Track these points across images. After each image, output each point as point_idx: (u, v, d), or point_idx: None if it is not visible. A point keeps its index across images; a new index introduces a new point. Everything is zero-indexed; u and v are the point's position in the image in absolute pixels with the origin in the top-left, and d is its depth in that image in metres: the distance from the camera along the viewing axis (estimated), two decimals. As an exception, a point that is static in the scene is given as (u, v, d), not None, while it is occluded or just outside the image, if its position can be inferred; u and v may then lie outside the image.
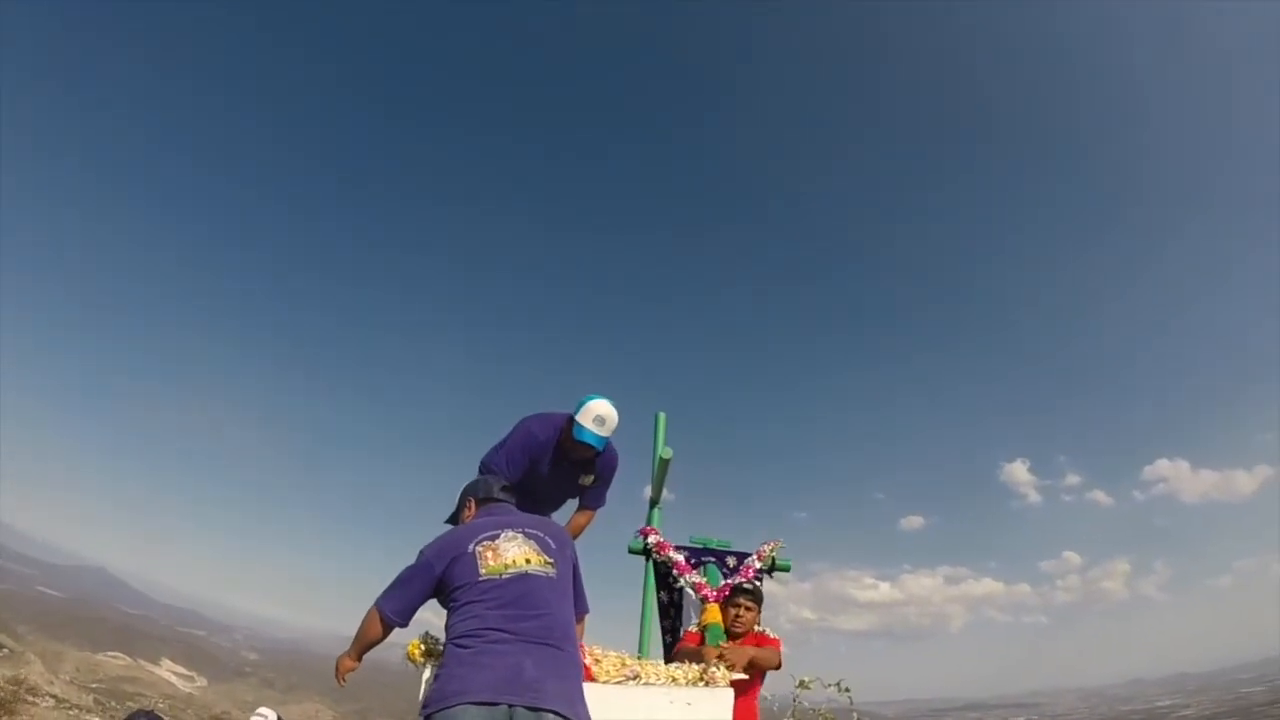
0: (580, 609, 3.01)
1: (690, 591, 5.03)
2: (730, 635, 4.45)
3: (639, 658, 3.25)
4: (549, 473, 3.88)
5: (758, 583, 4.96)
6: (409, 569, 2.90)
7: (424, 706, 2.68)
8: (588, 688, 2.78)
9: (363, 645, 3.01)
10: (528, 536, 2.90)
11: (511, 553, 2.82)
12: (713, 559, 5.29)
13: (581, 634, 3.17)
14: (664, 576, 5.17)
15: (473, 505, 3.15)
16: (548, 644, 2.75)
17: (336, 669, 3.13)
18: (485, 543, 2.83)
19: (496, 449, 3.86)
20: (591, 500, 4.12)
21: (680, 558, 5.20)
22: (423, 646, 3.03)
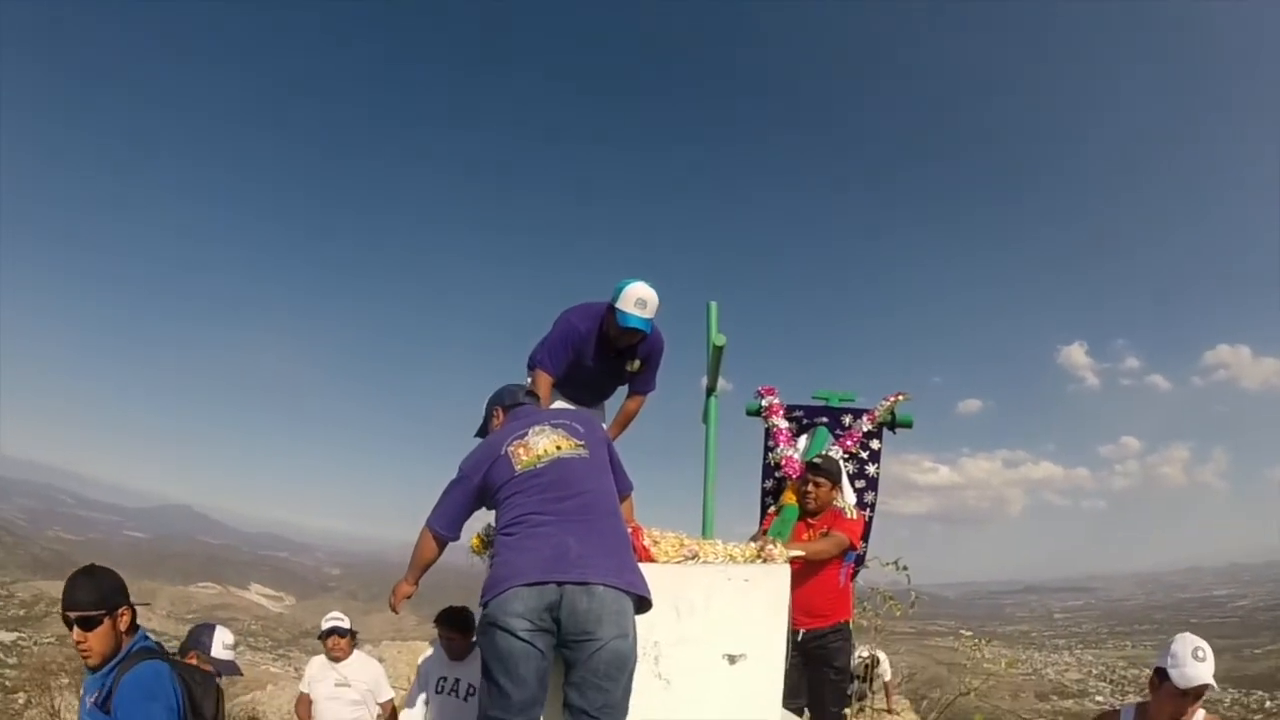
0: (623, 488, 3.09)
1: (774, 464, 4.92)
2: (804, 514, 4.41)
3: (700, 538, 3.28)
4: (594, 363, 3.85)
5: (837, 455, 4.78)
6: (450, 484, 3.02)
7: (481, 597, 2.71)
8: (646, 569, 2.84)
9: (419, 566, 3.13)
10: (554, 427, 2.99)
11: (542, 444, 2.91)
12: (825, 419, 5.09)
13: (630, 513, 3.23)
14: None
15: (500, 413, 3.22)
16: (590, 520, 2.77)
17: (393, 596, 3.25)
18: (516, 442, 2.93)
19: (540, 345, 3.85)
20: (641, 385, 4.10)
21: (783, 425, 5.05)
22: (484, 538, 3.14)
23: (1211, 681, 2.65)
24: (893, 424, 5.09)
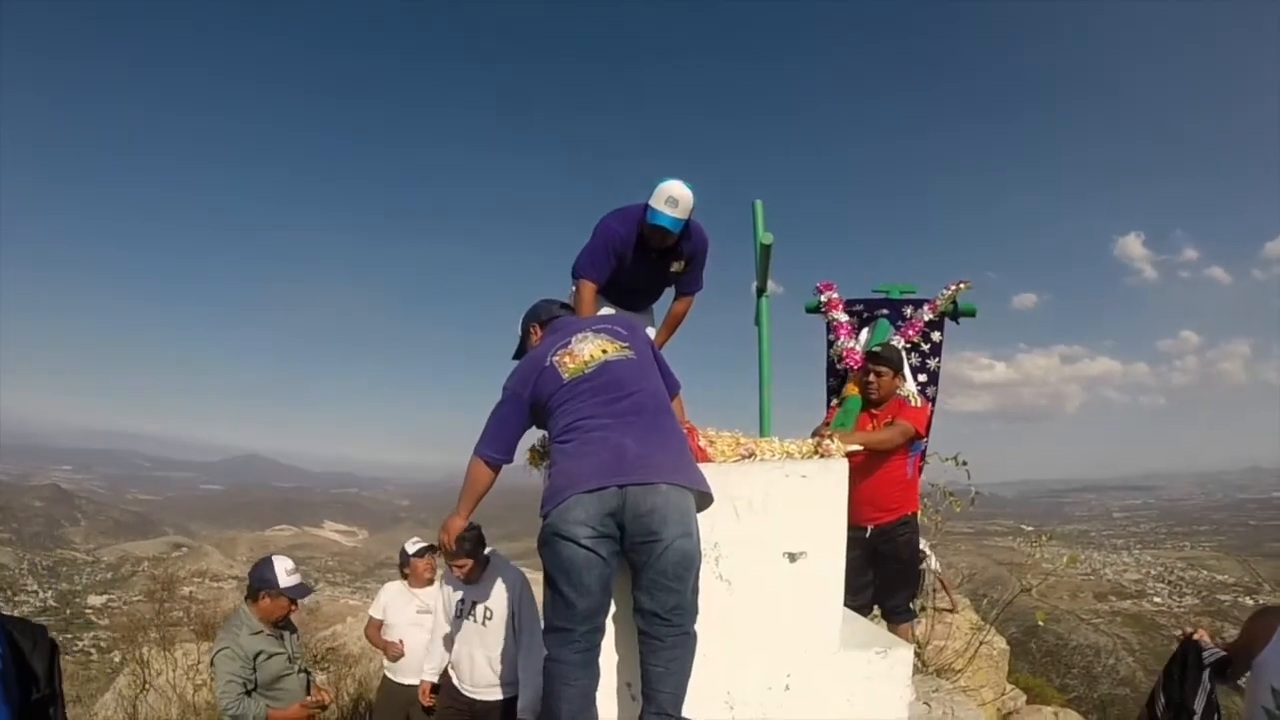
0: (671, 387, 3.06)
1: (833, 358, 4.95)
2: (868, 404, 4.40)
3: (756, 437, 3.24)
4: (637, 266, 3.78)
5: (899, 345, 4.79)
6: (497, 405, 2.97)
7: (541, 508, 2.71)
8: (706, 469, 2.83)
9: (473, 497, 3.08)
10: (597, 332, 2.96)
11: (587, 350, 2.87)
12: (886, 312, 5.08)
13: (681, 413, 3.21)
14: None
15: (537, 329, 3.18)
16: (645, 418, 2.75)
17: (444, 533, 3.24)
18: (560, 351, 2.89)
19: (581, 253, 3.77)
20: (687, 286, 4.02)
21: (843, 318, 5.07)
22: (539, 450, 3.12)
23: None
24: (955, 313, 5.04)
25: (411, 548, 5.17)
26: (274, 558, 4.09)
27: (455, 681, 4.32)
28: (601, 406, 2.76)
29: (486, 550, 4.25)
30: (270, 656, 3.97)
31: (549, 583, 2.68)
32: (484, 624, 4.16)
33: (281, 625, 4.13)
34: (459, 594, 4.29)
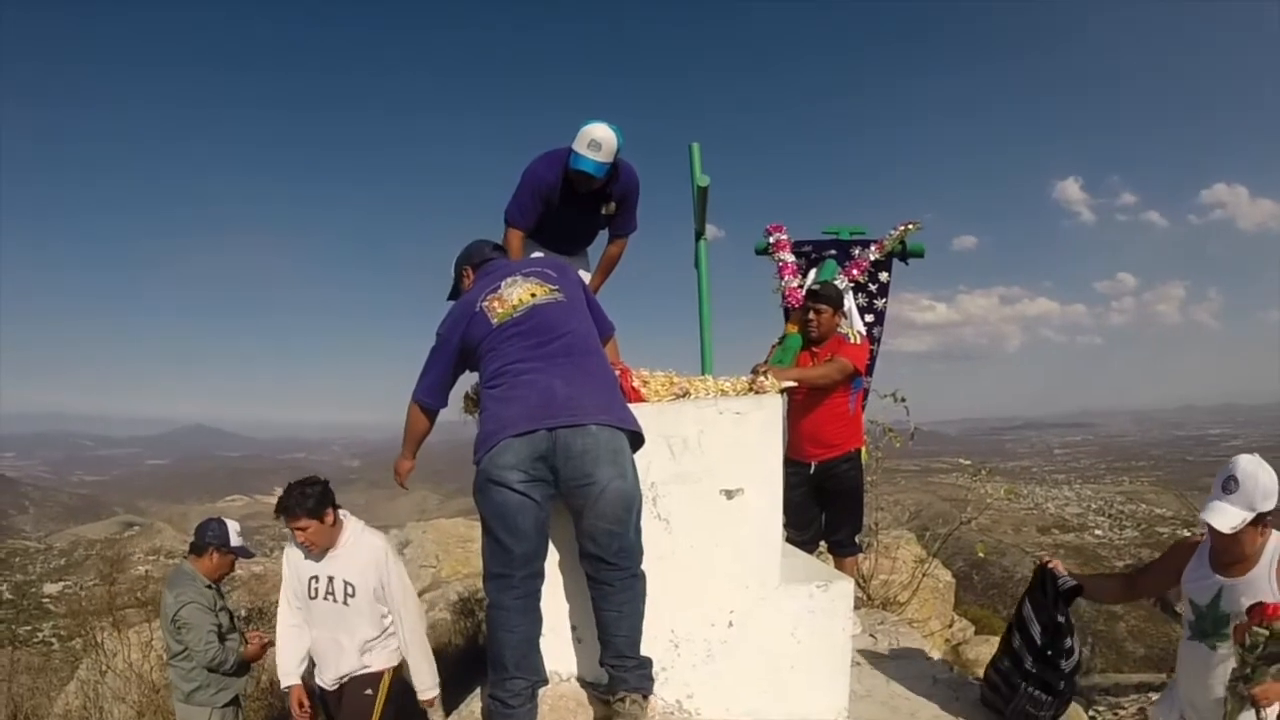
0: (604, 330, 3.04)
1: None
2: (809, 342, 4.41)
3: (690, 376, 3.22)
4: (566, 211, 3.69)
5: (843, 284, 4.83)
6: (430, 350, 2.96)
7: (473, 455, 2.69)
8: (640, 409, 2.81)
9: (413, 440, 3.11)
10: (526, 276, 2.91)
11: (516, 294, 2.83)
12: (834, 252, 5.09)
13: (615, 355, 3.19)
14: None
15: (469, 272, 3.11)
16: (574, 359, 2.74)
17: (396, 474, 3.25)
18: (489, 296, 2.85)
19: (510, 199, 3.69)
20: (620, 228, 3.95)
21: (790, 259, 5.08)
22: (473, 396, 3.08)
23: (1212, 522, 2.53)
24: (904, 254, 5.08)
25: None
26: (225, 519, 4.16)
27: (318, 680, 3.66)
28: (530, 350, 2.72)
29: (341, 512, 3.60)
30: (219, 611, 4.04)
31: (486, 530, 2.66)
32: (345, 603, 3.52)
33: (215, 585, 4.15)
34: (311, 571, 3.57)
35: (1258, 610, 2.43)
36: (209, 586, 4.01)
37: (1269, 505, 2.50)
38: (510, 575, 2.62)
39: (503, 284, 2.88)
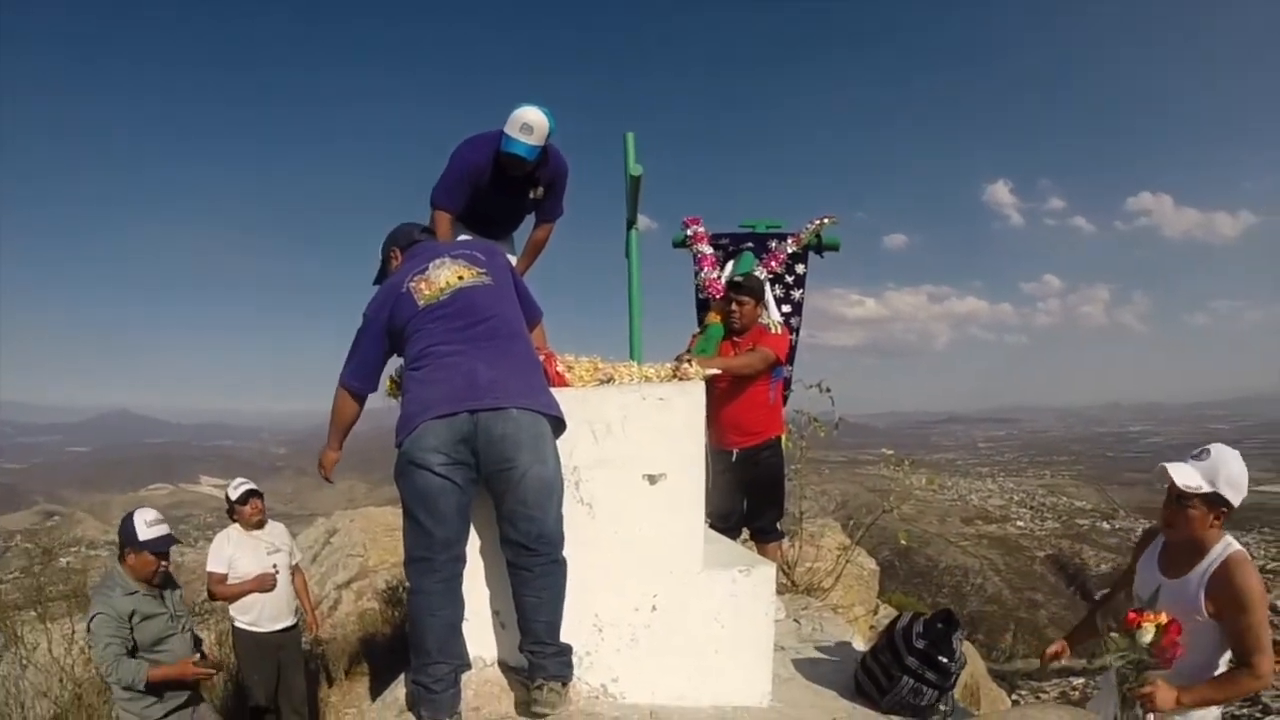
0: (532, 315, 3.04)
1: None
2: (730, 332, 4.48)
3: (615, 362, 3.25)
4: (495, 194, 3.69)
5: (761, 275, 4.89)
6: (357, 332, 2.92)
7: (395, 437, 2.67)
8: (564, 394, 2.83)
9: (340, 428, 3.06)
10: (455, 258, 2.90)
11: (444, 276, 2.82)
12: (751, 245, 5.15)
13: (541, 341, 3.19)
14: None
15: (397, 254, 3.08)
16: (498, 343, 2.73)
17: (322, 468, 3.21)
18: (416, 278, 2.83)
19: (438, 182, 3.66)
20: (547, 212, 3.97)
21: (708, 251, 5.14)
22: (396, 379, 3.03)
23: (1171, 471, 2.53)
24: (819, 247, 5.16)
25: (235, 492, 5.03)
26: (136, 511, 3.84)
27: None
28: (455, 333, 2.71)
29: None
30: (147, 618, 3.72)
31: (407, 513, 2.64)
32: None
33: (161, 584, 3.85)
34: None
35: (1125, 618, 2.51)
36: (131, 593, 3.70)
37: (1230, 493, 2.49)
38: (432, 559, 2.61)
39: (430, 265, 2.86)
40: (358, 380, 2.95)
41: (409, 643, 2.75)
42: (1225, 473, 2.49)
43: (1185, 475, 2.51)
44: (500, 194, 3.70)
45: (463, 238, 3.69)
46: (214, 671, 3.92)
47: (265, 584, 4.83)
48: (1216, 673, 2.50)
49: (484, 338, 2.72)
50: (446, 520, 2.58)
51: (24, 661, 6.28)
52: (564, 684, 2.70)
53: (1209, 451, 2.55)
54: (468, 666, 2.77)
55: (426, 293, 2.79)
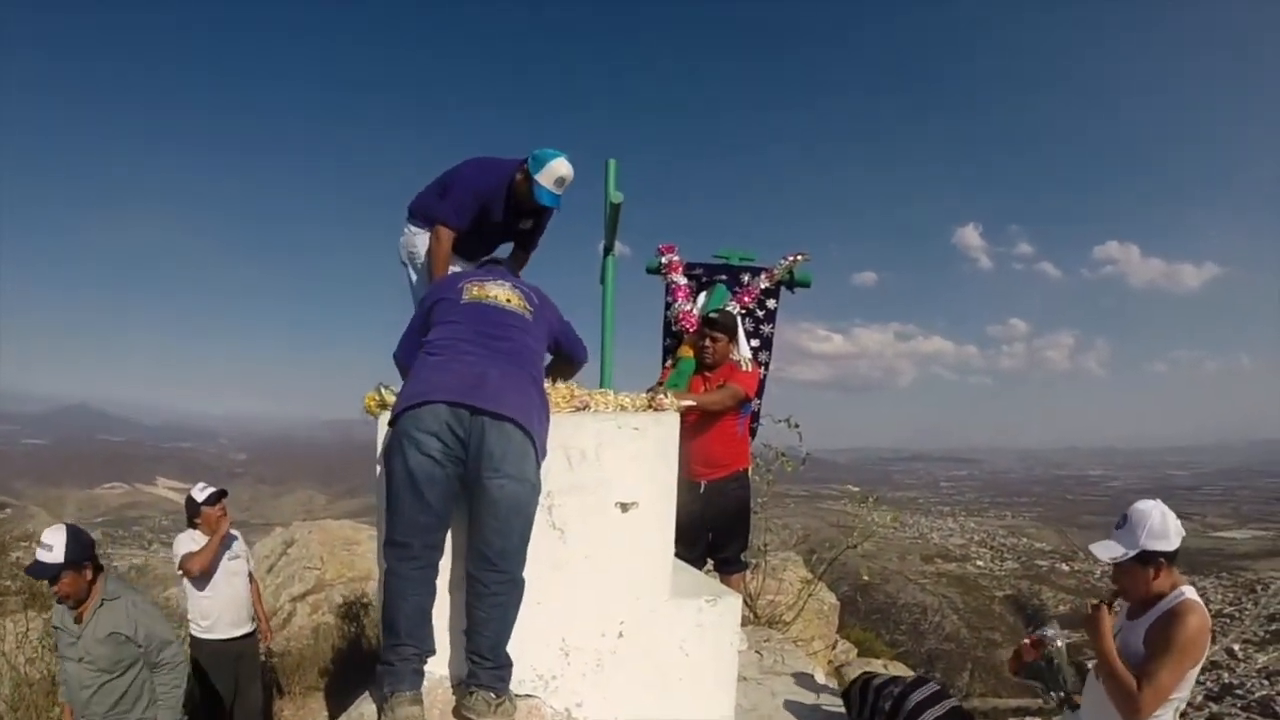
0: (576, 355, 3.37)
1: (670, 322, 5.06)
2: (702, 367, 4.52)
3: (591, 390, 3.23)
4: (495, 221, 3.84)
5: (734, 311, 4.91)
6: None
7: (391, 411, 2.70)
8: None
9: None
10: (514, 287, 3.11)
11: (497, 290, 3.03)
12: (725, 277, 5.18)
13: (569, 389, 3.21)
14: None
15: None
16: (516, 365, 2.82)
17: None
18: (474, 280, 3.10)
19: (440, 197, 3.76)
20: (530, 243, 4.12)
21: (683, 281, 5.15)
22: (379, 398, 3.01)
23: (1095, 551, 2.74)
24: (791, 283, 5.19)
25: (200, 494, 4.83)
26: (43, 534, 3.61)
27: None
28: (480, 337, 2.83)
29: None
30: (75, 642, 3.57)
31: (391, 495, 2.62)
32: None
33: (77, 604, 3.60)
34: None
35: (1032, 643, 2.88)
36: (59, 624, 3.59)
37: (1160, 546, 2.60)
38: (411, 544, 2.60)
39: (491, 280, 3.09)
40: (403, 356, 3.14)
41: (380, 620, 2.75)
42: (1146, 529, 2.62)
43: (1108, 550, 2.68)
44: (499, 222, 3.84)
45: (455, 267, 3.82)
46: None
47: (226, 541, 4.79)
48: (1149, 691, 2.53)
49: (504, 354, 2.82)
50: (431, 507, 2.58)
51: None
52: (496, 694, 2.65)
53: (1127, 517, 2.69)
54: (433, 653, 2.74)
55: (475, 293, 2.99)
